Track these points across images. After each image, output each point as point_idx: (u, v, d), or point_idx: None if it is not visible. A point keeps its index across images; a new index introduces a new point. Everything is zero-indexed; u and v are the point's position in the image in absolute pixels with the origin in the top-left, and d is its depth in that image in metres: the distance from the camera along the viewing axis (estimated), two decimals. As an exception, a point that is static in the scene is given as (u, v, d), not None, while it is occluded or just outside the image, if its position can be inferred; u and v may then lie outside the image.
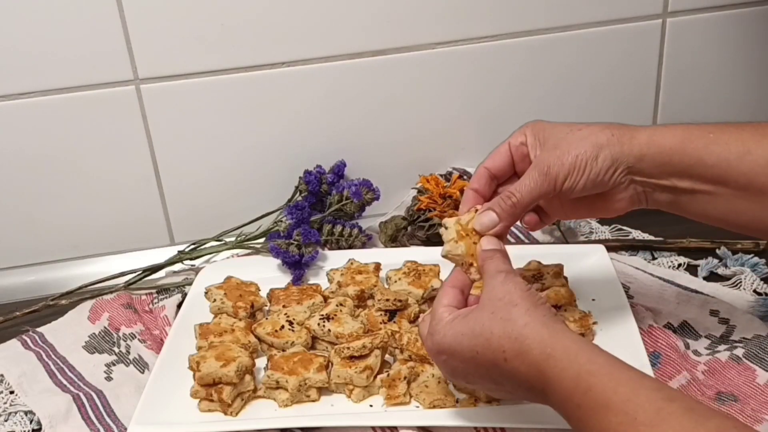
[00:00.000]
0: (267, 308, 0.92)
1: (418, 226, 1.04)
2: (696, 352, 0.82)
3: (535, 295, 0.65)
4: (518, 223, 1.05)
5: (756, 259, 0.95)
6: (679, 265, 0.97)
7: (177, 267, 1.05)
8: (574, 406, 0.59)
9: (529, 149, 0.74)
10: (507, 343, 0.62)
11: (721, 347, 0.82)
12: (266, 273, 0.98)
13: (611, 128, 0.72)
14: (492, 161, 0.76)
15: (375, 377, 0.80)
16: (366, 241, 1.04)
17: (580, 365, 0.59)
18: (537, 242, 1.02)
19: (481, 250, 0.71)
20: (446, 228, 0.73)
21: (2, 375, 0.87)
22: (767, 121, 0.70)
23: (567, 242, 1.01)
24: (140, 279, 1.02)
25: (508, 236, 1.03)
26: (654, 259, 0.98)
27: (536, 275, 0.90)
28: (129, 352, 0.90)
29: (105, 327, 0.94)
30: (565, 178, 0.71)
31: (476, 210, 0.74)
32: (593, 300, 0.88)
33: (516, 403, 0.76)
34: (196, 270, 1.02)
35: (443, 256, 0.73)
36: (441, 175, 1.09)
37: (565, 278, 0.89)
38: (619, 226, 1.04)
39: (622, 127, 0.72)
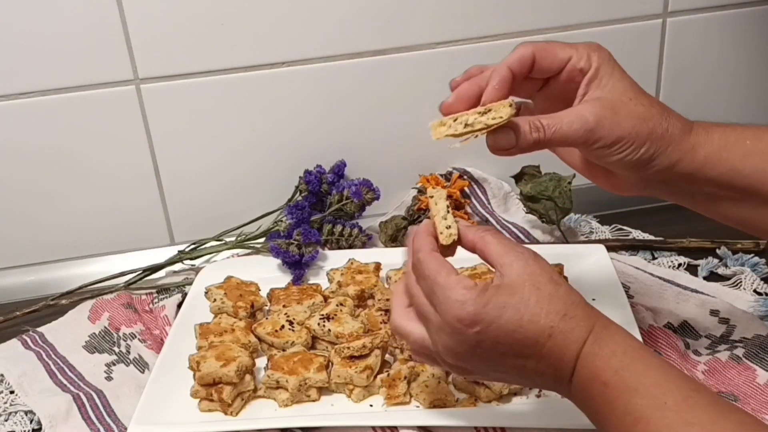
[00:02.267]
0: (267, 308, 0.92)
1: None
2: (696, 352, 0.82)
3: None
4: (517, 222, 1.06)
5: (756, 258, 0.95)
6: (679, 264, 0.97)
7: (177, 267, 1.05)
8: (600, 384, 0.58)
9: (585, 83, 0.67)
10: (556, 320, 0.60)
11: (722, 347, 0.82)
12: (266, 273, 0.98)
13: (668, 118, 0.66)
14: (543, 51, 0.68)
15: (375, 377, 0.80)
16: (366, 241, 1.04)
17: (616, 344, 0.59)
18: (537, 242, 1.02)
19: (465, 227, 0.66)
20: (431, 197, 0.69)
21: (2, 375, 0.87)
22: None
23: (567, 242, 1.01)
24: (140, 279, 1.02)
25: (509, 236, 1.03)
26: (654, 258, 0.98)
27: (536, 275, 0.89)
28: (129, 352, 0.90)
29: (105, 327, 0.94)
30: (602, 145, 0.65)
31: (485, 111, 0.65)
32: (593, 300, 0.87)
33: (516, 403, 0.77)
34: (196, 270, 1.02)
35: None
36: (441, 175, 1.09)
37: (565, 278, 0.89)
38: (619, 226, 1.04)
39: (674, 118, 0.67)
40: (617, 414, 0.57)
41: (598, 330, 0.60)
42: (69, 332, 0.94)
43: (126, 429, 0.78)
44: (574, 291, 0.63)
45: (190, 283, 0.98)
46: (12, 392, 0.85)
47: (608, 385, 0.58)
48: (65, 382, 0.86)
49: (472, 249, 0.66)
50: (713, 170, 0.66)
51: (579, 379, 0.60)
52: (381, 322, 0.87)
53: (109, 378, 0.87)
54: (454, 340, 0.62)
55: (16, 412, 0.83)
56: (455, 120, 0.68)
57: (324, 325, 0.85)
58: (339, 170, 1.07)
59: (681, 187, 0.68)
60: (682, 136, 0.67)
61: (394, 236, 1.04)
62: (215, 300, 0.91)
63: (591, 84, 0.67)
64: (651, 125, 0.66)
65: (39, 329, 0.94)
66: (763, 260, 0.95)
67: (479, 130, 0.66)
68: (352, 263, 0.95)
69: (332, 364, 0.80)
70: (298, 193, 1.06)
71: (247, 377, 0.79)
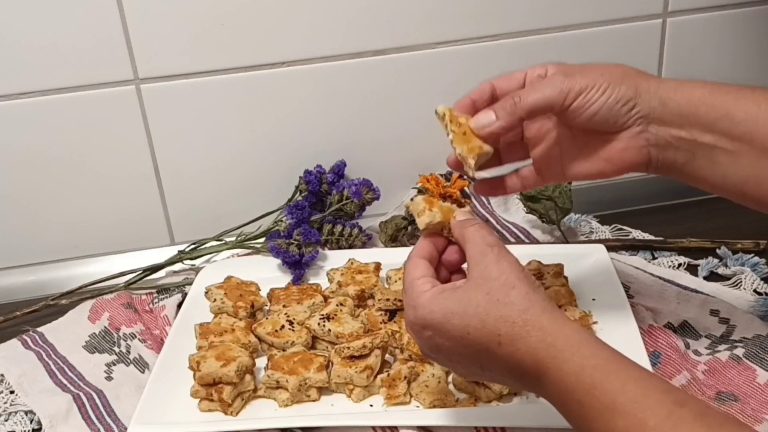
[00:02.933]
0: (267, 308, 0.92)
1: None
2: (696, 352, 0.82)
3: (531, 277, 0.61)
4: (517, 222, 1.06)
5: (756, 258, 0.95)
6: (680, 264, 0.97)
7: (177, 267, 1.05)
8: (575, 402, 0.55)
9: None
10: (503, 328, 0.58)
11: (722, 347, 0.82)
12: (266, 273, 0.98)
13: (640, 71, 0.67)
14: (501, 80, 0.70)
15: (375, 377, 0.80)
16: (366, 241, 1.04)
17: (584, 358, 0.56)
18: (537, 242, 1.02)
19: (456, 220, 0.66)
20: (412, 200, 0.70)
21: (2, 375, 0.87)
22: None
23: (567, 242, 1.01)
24: (140, 279, 1.02)
25: (509, 236, 1.03)
26: (654, 258, 0.98)
27: (536, 275, 0.90)
28: (129, 352, 0.90)
29: (105, 327, 0.94)
30: (578, 94, 0.65)
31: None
32: (593, 300, 0.88)
33: (516, 403, 0.77)
34: (197, 270, 1.02)
35: (423, 230, 0.69)
36: (441, 175, 1.08)
37: (565, 278, 0.89)
38: (619, 226, 1.04)
39: (650, 74, 0.67)
40: None
41: (557, 340, 0.57)
42: (69, 332, 0.94)
43: (126, 429, 0.78)
44: (534, 296, 0.59)
45: (190, 283, 0.98)
46: (12, 392, 0.85)
47: (584, 405, 0.55)
48: (65, 382, 0.86)
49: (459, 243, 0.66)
50: (707, 115, 0.65)
51: (552, 392, 0.57)
52: (381, 322, 0.87)
53: (109, 378, 0.87)
54: (417, 340, 0.64)
55: (16, 412, 0.83)
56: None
57: (324, 325, 0.85)
58: (339, 170, 1.07)
59: (679, 143, 0.66)
60: (662, 79, 0.66)
61: (394, 236, 1.04)
62: (215, 300, 0.91)
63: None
64: (624, 69, 0.66)
65: (39, 329, 0.94)
66: (763, 260, 0.95)
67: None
68: (352, 263, 0.95)
69: (332, 364, 0.80)
70: (298, 193, 1.06)
71: (247, 377, 0.79)
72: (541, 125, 0.72)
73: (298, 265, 0.97)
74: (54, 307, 0.98)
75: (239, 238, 1.05)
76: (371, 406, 0.79)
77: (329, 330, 0.84)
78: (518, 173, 0.74)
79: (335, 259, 0.99)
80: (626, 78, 0.66)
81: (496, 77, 0.72)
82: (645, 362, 0.77)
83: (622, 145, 0.67)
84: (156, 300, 0.98)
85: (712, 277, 0.95)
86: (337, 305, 0.88)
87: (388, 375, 0.79)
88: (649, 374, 0.56)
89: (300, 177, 1.05)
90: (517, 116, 0.67)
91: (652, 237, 1.01)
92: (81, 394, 0.84)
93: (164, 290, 1.00)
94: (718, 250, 0.97)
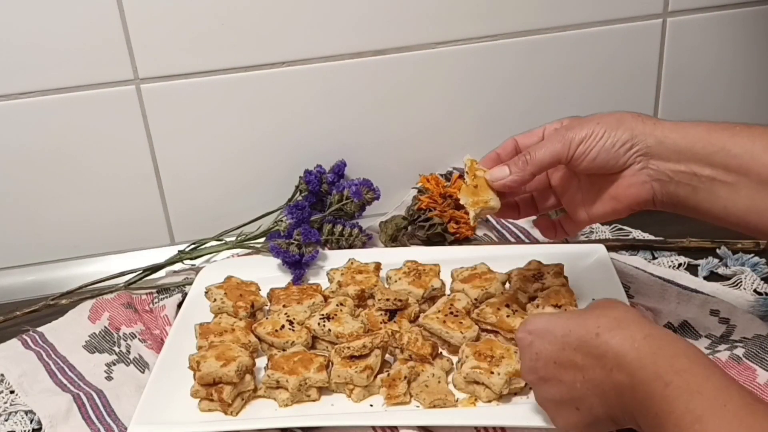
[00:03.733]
0: (267, 308, 0.92)
1: (419, 226, 1.04)
2: (696, 352, 0.82)
3: None
4: (517, 222, 1.06)
5: (756, 258, 0.95)
6: (680, 264, 0.97)
7: (177, 267, 1.05)
8: (662, 384, 0.57)
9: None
10: (603, 321, 0.62)
11: (722, 347, 0.82)
12: (266, 273, 0.98)
13: (639, 114, 0.72)
14: (523, 136, 0.77)
15: (375, 377, 0.80)
16: (366, 241, 1.04)
17: (678, 348, 0.59)
18: (537, 242, 1.02)
19: None
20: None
21: (2, 375, 0.87)
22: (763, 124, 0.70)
23: (567, 242, 1.01)
24: (140, 279, 1.02)
25: (509, 236, 1.03)
26: (654, 258, 0.98)
27: (536, 275, 0.90)
28: (129, 352, 0.90)
29: (105, 327, 0.94)
30: (580, 142, 0.71)
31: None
32: (593, 300, 0.88)
33: (516, 403, 0.77)
34: (197, 270, 1.02)
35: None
36: (441, 175, 1.09)
37: (566, 278, 0.89)
38: (620, 226, 1.04)
39: (650, 116, 0.72)
40: (677, 413, 0.56)
41: (659, 332, 0.61)
42: (69, 332, 0.94)
43: (126, 429, 0.77)
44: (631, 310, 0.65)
45: (190, 283, 0.98)
46: (12, 392, 0.85)
47: (670, 385, 0.57)
48: (65, 381, 0.86)
49: None
50: (704, 149, 0.68)
51: (638, 381, 0.59)
52: (381, 322, 0.87)
53: (109, 378, 0.87)
54: (522, 348, 0.68)
55: (16, 412, 0.83)
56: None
57: (324, 325, 0.85)
58: (339, 170, 1.07)
59: (679, 176, 0.70)
60: (660, 121, 0.71)
61: (394, 236, 1.04)
62: (215, 300, 0.91)
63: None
64: (618, 115, 0.72)
65: (39, 329, 0.94)
66: (763, 260, 0.95)
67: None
68: (352, 263, 0.95)
69: (332, 363, 0.80)
70: (298, 192, 1.06)
71: (247, 377, 0.79)
72: (564, 174, 0.77)
73: (298, 265, 0.97)
74: (54, 307, 0.98)
75: (239, 238, 1.05)
76: (371, 406, 0.79)
77: (329, 330, 0.84)
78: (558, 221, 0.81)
79: (335, 259, 0.99)
80: (622, 123, 0.71)
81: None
82: (645, 362, 0.77)
83: (627, 182, 0.72)
84: (156, 300, 0.98)
85: (712, 277, 0.95)
86: (337, 305, 0.88)
87: (388, 375, 0.79)
88: (730, 376, 0.59)
89: (300, 177, 1.05)
90: (529, 172, 0.73)
91: (652, 237, 1.01)
92: (81, 394, 0.84)
93: (164, 290, 1.00)
94: (718, 250, 0.97)
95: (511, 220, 1.07)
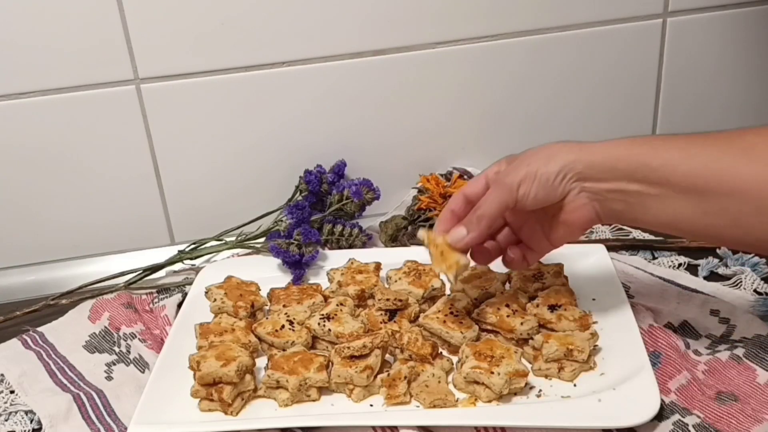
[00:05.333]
0: (267, 308, 0.92)
1: (419, 226, 1.04)
2: (696, 352, 0.82)
3: None
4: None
5: (756, 258, 0.95)
6: (680, 264, 0.97)
7: (177, 267, 1.05)
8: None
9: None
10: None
11: (722, 347, 0.82)
12: (266, 273, 0.98)
13: (566, 143, 0.76)
14: (469, 187, 0.81)
15: (375, 377, 0.80)
16: (366, 241, 1.04)
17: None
18: (537, 242, 1.02)
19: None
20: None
21: (2, 374, 0.87)
22: (763, 124, 0.72)
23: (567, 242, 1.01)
24: (140, 279, 1.02)
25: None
26: (654, 258, 0.98)
27: (536, 275, 0.90)
28: (129, 352, 0.90)
29: (105, 326, 0.94)
30: (518, 185, 0.75)
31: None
32: (593, 300, 0.88)
33: (516, 403, 0.77)
34: (197, 270, 1.02)
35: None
36: (441, 175, 1.09)
37: (566, 278, 0.89)
38: (620, 226, 1.03)
39: (577, 142, 0.76)
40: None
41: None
42: (69, 332, 0.94)
43: (126, 429, 0.77)
44: None
45: (190, 283, 0.98)
46: (12, 392, 0.85)
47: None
48: (65, 381, 0.86)
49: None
50: (628, 166, 0.73)
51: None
52: (381, 322, 0.87)
53: (109, 378, 0.87)
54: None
55: (16, 412, 0.83)
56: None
57: (324, 325, 0.85)
58: (339, 170, 1.07)
59: (612, 194, 0.75)
60: (585, 144, 0.76)
61: (394, 236, 1.04)
62: (215, 300, 0.91)
63: None
64: (546, 150, 0.77)
65: (39, 329, 0.94)
66: (763, 260, 0.95)
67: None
68: (352, 263, 0.95)
69: (332, 363, 0.80)
70: (298, 192, 1.06)
71: (248, 377, 0.79)
72: (515, 212, 0.81)
73: (298, 265, 0.97)
74: (54, 307, 0.98)
75: (239, 238, 1.05)
76: (371, 406, 0.79)
77: (329, 330, 0.84)
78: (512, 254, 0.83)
79: (335, 259, 0.99)
80: (552, 156, 0.75)
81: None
82: (645, 362, 0.77)
83: (571, 208, 0.76)
84: (156, 300, 0.98)
85: (712, 277, 0.95)
86: (337, 305, 0.88)
87: (388, 375, 0.79)
88: None
89: (300, 177, 1.05)
90: (484, 227, 0.77)
91: (652, 237, 1.01)
92: (81, 393, 0.84)
93: (164, 290, 1.00)
94: (718, 250, 0.97)
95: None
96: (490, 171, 0.80)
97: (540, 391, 0.78)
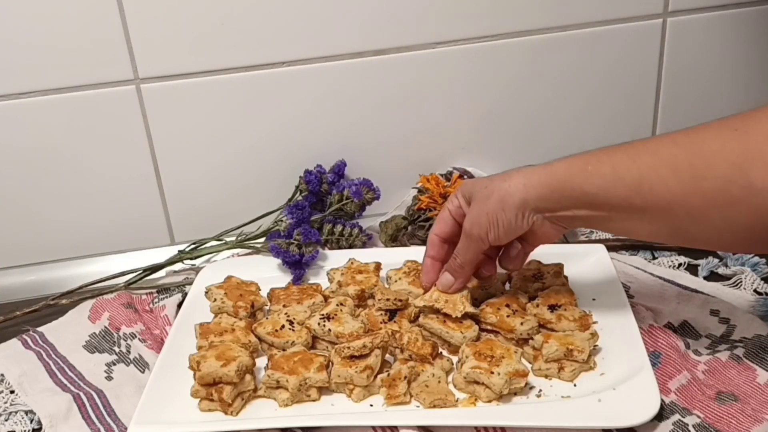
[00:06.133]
0: (267, 308, 0.92)
1: (419, 226, 1.04)
2: (696, 352, 0.82)
3: None
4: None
5: (756, 258, 0.95)
6: (680, 264, 0.97)
7: (177, 266, 1.05)
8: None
9: (464, 210, 0.82)
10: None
11: (722, 347, 0.82)
12: (266, 273, 0.98)
13: (510, 179, 0.78)
14: (439, 228, 0.85)
15: (375, 377, 0.80)
16: (366, 241, 1.04)
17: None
18: (537, 242, 1.02)
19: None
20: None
21: (2, 374, 0.87)
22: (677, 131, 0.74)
23: (567, 242, 1.01)
24: (140, 279, 1.02)
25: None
26: (654, 258, 0.98)
27: (536, 275, 0.90)
28: (129, 352, 0.90)
29: (105, 326, 0.94)
30: (486, 234, 0.79)
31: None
32: (593, 300, 0.88)
33: (516, 403, 0.77)
34: (197, 270, 1.02)
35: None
36: (441, 175, 1.09)
37: (565, 278, 0.89)
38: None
39: (520, 172, 0.78)
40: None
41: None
42: (69, 332, 0.94)
43: (126, 429, 0.77)
44: None
45: (191, 283, 0.98)
46: (12, 392, 0.85)
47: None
48: (65, 381, 0.86)
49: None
50: (570, 196, 0.75)
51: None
52: (381, 322, 0.87)
53: (109, 378, 0.87)
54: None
55: (16, 412, 0.83)
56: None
57: (324, 325, 0.85)
58: (339, 170, 1.07)
59: (570, 219, 0.78)
60: (528, 176, 0.78)
61: (395, 236, 1.04)
62: (215, 300, 0.91)
63: (466, 208, 0.83)
64: (497, 195, 0.79)
65: (39, 329, 0.94)
66: (763, 260, 0.95)
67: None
68: (352, 263, 0.95)
69: (332, 363, 0.80)
70: (299, 192, 1.06)
71: (248, 377, 0.79)
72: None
73: (298, 265, 0.97)
74: (54, 307, 0.98)
75: (239, 238, 1.05)
76: (371, 406, 0.79)
77: (329, 330, 0.84)
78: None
79: (335, 258, 0.99)
80: (505, 201, 0.78)
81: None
82: (645, 362, 0.77)
83: (540, 233, 0.80)
84: (156, 300, 0.98)
85: (712, 277, 0.95)
86: (337, 305, 0.88)
87: (388, 375, 0.79)
88: None
89: (300, 177, 1.05)
90: (467, 272, 0.84)
91: (652, 237, 1.01)
92: (81, 393, 0.84)
93: (164, 290, 1.00)
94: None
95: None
96: (451, 205, 0.83)
97: (540, 391, 0.78)
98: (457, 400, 0.77)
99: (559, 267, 0.90)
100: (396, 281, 0.92)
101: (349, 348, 0.80)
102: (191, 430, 0.77)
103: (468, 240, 0.81)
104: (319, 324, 0.85)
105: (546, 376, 0.80)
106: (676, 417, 0.74)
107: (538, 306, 0.85)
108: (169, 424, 0.77)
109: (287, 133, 1.07)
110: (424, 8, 1.03)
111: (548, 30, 1.06)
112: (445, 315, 0.84)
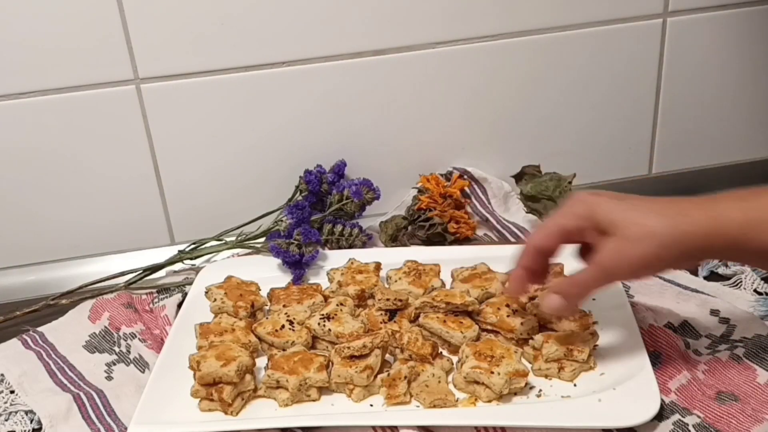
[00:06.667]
0: (267, 308, 0.92)
1: (419, 226, 1.04)
2: (696, 352, 0.82)
3: None
4: (517, 222, 1.06)
5: (756, 258, 0.95)
6: (680, 264, 0.97)
7: (177, 266, 1.05)
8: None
9: (588, 235, 0.72)
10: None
11: (722, 347, 0.82)
12: (266, 272, 0.98)
13: (665, 217, 0.70)
14: (542, 240, 0.76)
15: (375, 377, 0.80)
16: (366, 241, 1.04)
17: None
18: (537, 242, 1.02)
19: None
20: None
21: (3, 374, 0.87)
22: None
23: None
24: (140, 278, 1.02)
25: (509, 236, 1.04)
26: (654, 258, 0.98)
27: (536, 275, 0.90)
28: (129, 352, 0.90)
29: (105, 326, 0.94)
30: (624, 277, 0.77)
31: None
32: (593, 300, 0.88)
33: (516, 403, 0.77)
34: (197, 269, 1.02)
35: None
36: (441, 175, 1.09)
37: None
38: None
39: (680, 213, 0.70)
40: None
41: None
42: (69, 332, 0.94)
43: (126, 429, 0.77)
44: None
45: (191, 283, 0.98)
46: (12, 392, 0.85)
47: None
48: (65, 381, 0.86)
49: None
50: (720, 244, 0.69)
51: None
52: (381, 322, 0.87)
53: (109, 378, 0.87)
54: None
55: (16, 412, 0.83)
56: None
57: (324, 325, 0.85)
58: (339, 170, 1.07)
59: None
60: (690, 223, 0.70)
61: (395, 236, 1.04)
62: (215, 300, 0.91)
63: (595, 236, 0.73)
64: (657, 241, 0.70)
65: (39, 329, 0.94)
66: (764, 260, 0.95)
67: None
68: (352, 263, 0.95)
69: (332, 363, 0.80)
70: (299, 192, 1.06)
71: (248, 377, 0.79)
72: None
73: (298, 265, 0.97)
74: (54, 307, 0.98)
75: (239, 238, 1.05)
76: (371, 405, 0.79)
77: (329, 330, 0.84)
78: None
79: (335, 258, 0.99)
80: (663, 249, 0.70)
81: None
82: (645, 362, 0.77)
83: None
84: (156, 300, 0.98)
85: (712, 277, 0.94)
86: (337, 305, 0.88)
87: (388, 375, 0.79)
88: None
89: (300, 177, 1.05)
90: (581, 302, 0.76)
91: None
92: (81, 393, 0.84)
93: (164, 290, 1.00)
94: (718, 250, 0.97)
95: (510, 219, 1.07)
96: (567, 222, 0.74)
97: (540, 391, 0.78)
98: (457, 400, 0.77)
99: (559, 267, 0.90)
100: (396, 281, 0.92)
101: (349, 348, 0.80)
102: (191, 430, 0.77)
103: (603, 277, 0.73)
104: (319, 324, 0.85)
105: (546, 376, 0.80)
106: (676, 417, 0.74)
107: (538, 306, 0.85)
108: (169, 424, 0.77)
109: (287, 133, 1.07)
110: (424, 8, 1.03)
111: (547, 30, 1.06)
112: (445, 314, 0.84)
